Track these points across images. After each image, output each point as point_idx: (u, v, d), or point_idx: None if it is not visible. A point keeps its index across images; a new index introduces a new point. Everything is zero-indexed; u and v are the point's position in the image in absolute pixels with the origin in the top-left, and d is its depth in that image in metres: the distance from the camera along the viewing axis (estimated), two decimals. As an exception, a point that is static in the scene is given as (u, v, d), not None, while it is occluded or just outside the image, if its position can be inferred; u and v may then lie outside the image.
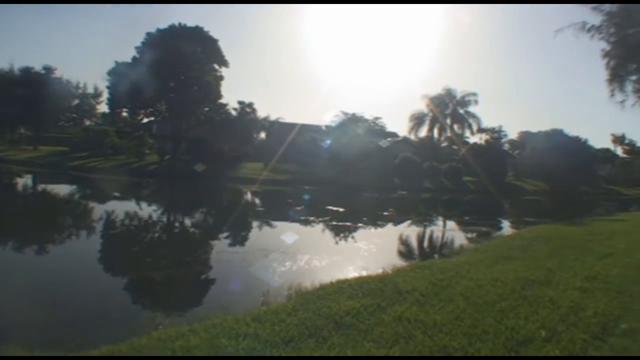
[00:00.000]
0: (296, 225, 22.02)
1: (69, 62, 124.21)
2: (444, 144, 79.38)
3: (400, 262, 12.48)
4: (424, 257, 14.59)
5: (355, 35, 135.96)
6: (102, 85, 62.64)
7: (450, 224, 27.97)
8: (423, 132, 75.93)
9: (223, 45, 58.94)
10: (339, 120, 69.65)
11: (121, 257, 13.95)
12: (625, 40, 16.03)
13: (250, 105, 63.79)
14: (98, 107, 72.86)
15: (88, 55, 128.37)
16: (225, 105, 62.97)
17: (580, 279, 8.32)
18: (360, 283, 8.08)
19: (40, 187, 36.20)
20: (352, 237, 18.92)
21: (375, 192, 43.43)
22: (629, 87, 17.26)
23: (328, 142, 60.99)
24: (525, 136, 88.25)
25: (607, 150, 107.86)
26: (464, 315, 6.16)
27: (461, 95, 75.25)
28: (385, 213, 30.45)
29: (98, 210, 23.59)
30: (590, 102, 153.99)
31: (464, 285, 7.84)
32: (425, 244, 19.66)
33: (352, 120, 69.66)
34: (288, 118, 69.28)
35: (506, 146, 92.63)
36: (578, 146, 69.42)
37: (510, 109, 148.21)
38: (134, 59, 55.99)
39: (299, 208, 29.67)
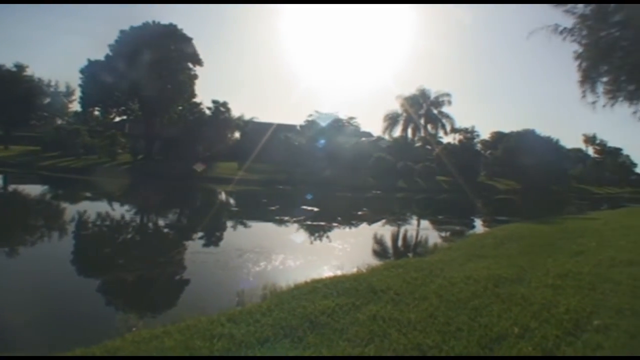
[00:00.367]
0: (270, 225, 22.00)
1: (41, 60, 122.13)
2: (418, 144, 79.78)
3: (374, 261, 12.51)
4: (398, 256, 14.65)
5: (331, 35, 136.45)
6: (75, 83, 62.00)
7: (424, 223, 28.16)
8: (397, 132, 76.27)
9: (197, 43, 58.59)
10: (313, 120, 69.61)
11: (93, 258, 13.77)
12: (598, 43, 16.25)
13: (224, 104, 63.37)
14: (70, 105, 72.25)
15: (61, 54, 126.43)
16: (199, 104, 62.64)
17: (552, 276, 8.41)
18: (335, 282, 8.08)
19: (11, 187, 35.67)
20: (327, 237, 18.93)
21: (349, 191, 43.50)
22: (600, 88, 17.51)
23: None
24: (498, 136, 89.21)
25: (579, 150, 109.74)
26: (437, 313, 6.19)
27: (435, 96, 75.73)
28: (359, 212, 30.54)
29: (70, 211, 23.24)
30: (562, 103, 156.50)
31: (438, 284, 7.88)
32: (400, 243, 19.76)
33: (326, 119, 69.66)
34: (262, 118, 69.11)
35: (479, 146, 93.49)
36: (549, 146, 70.45)
37: (483, 110, 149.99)
38: (107, 57, 55.27)
39: (273, 208, 29.62)
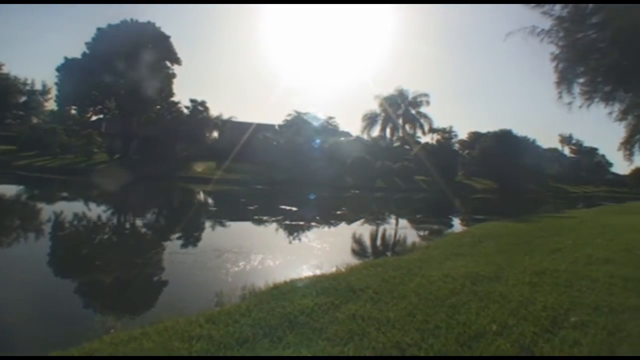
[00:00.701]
0: (249, 224, 21.94)
1: (19, 59, 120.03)
2: (397, 144, 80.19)
3: (353, 261, 12.52)
4: (377, 255, 14.65)
5: (311, 35, 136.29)
6: (52, 82, 61.22)
7: (403, 222, 28.29)
8: (376, 131, 76.58)
9: (175, 42, 58.26)
10: (292, 120, 69.59)
11: (70, 259, 13.57)
12: (574, 44, 16.41)
13: (202, 103, 62.86)
14: (46, 104, 71.30)
15: (40, 52, 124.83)
16: (177, 103, 61.95)
17: (529, 274, 8.48)
18: (314, 282, 8.07)
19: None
20: (306, 236, 18.91)
21: (328, 191, 43.55)
22: (577, 89, 17.70)
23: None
24: (475, 136, 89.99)
25: (555, 150, 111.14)
26: (416, 312, 6.20)
27: (413, 96, 76.18)
28: (338, 212, 30.59)
29: (46, 211, 22.90)
30: (538, 104, 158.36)
31: (417, 282, 7.90)
32: (378, 242, 19.81)
33: (305, 119, 69.64)
34: (242, 118, 68.74)
35: (456, 146, 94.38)
36: (526, 146, 71.27)
37: (461, 110, 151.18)
38: (84, 55, 54.68)
39: (251, 208, 29.54)
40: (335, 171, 53.03)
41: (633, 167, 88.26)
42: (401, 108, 76.10)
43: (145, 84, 54.05)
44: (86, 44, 55.12)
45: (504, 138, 70.30)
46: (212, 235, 19.01)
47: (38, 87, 69.67)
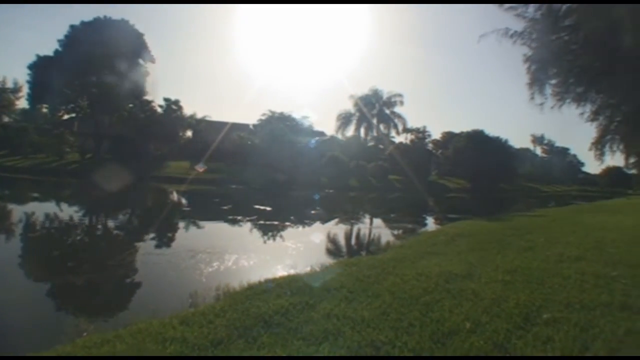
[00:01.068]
0: (223, 224, 21.82)
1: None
2: (371, 143, 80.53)
3: (328, 260, 12.52)
4: (351, 255, 14.67)
5: (285, 35, 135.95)
6: (23, 79, 60.20)
7: (377, 221, 28.40)
8: (350, 131, 76.99)
9: (149, 40, 57.69)
10: (267, 119, 69.44)
11: (41, 261, 13.29)
12: (547, 46, 16.62)
13: (176, 102, 62.37)
14: (17, 102, 70.17)
15: (9, 49, 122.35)
16: (150, 102, 61.37)
17: (501, 272, 8.56)
18: (288, 282, 8.05)
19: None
20: (280, 236, 18.86)
21: (302, 190, 43.53)
22: (549, 90, 17.95)
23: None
24: (448, 136, 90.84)
25: (527, 149, 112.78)
26: (390, 310, 6.23)
27: (387, 96, 76.71)
28: (312, 211, 30.61)
29: (16, 212, 22.50)
30: (511, 105, 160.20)
31: (391, 281, 7.93)
32: (353, 241, 19.82)
33: (280, 119, 69.52)
34: (216, 117, 68.30)
35: (430, 146, 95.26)
36: (498, 146, 72.07)
37: (435, 110, 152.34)
38: (57, 52, 53.87)
39: (225, 207, 29.40)
40: (310, 171, 52.98)
41: (604, 166, 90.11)
42: (375, 108, 76.59)
43: (119, 82, 53.47)
44: (59, 41, 54.42)
45: (477, 138, 71.03)
46: (186, 235, 18.84)
47: (9, 85, 68.72)
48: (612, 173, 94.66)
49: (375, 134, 79.66)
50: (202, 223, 21.63)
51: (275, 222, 22.17)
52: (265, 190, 39.81)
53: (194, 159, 51.19)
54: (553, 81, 17.90)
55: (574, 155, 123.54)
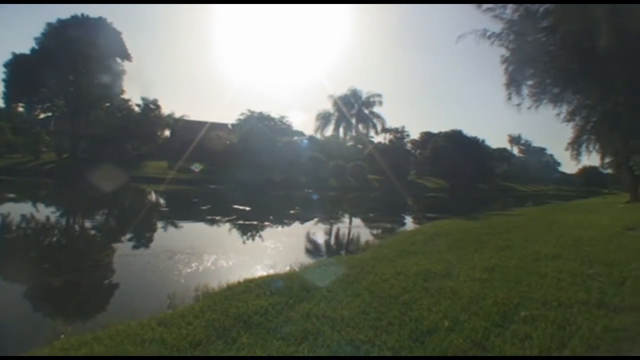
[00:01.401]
0: (202, 225, 21.72)
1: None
2: (350, 143, 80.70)
3: (307, 260, 12.55)
4: (330, 254, 14.70)
5: (265, 35, 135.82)
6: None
7: (356, 221, 28.46)
8: (329, 131, 77.05)
9: (127, 39, 57.17)
10: (246, 119, 69.26)
11: (17, 263, 13.13)
12: (524, 48, 16.83)
13: (154, 101, 61.88)
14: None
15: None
16: (127, 101, 60.86)
17: (479, 270, 8.61)
18: (267, 282, 8.02)
19: None
20: (259, 236, 18.81)
21: (281, 190, 43.51)
22: (525, 91, 18.20)
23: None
24: (427, 136, 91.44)
25: (504, 149, 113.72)
26: (370, 309, 6.24)
27: (366, 96, 76.93)
28: (291, 211, 30.57)
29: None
30: (488, 105, 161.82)
31: (370, 280, 7.94)
32: (332, 241, 19.85)
33: (259, 118, 69.39)
34: (195, 116, 67.92)
35: (409, 146, 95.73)
36: (476, 146, 72.73)
37: (413, 111, 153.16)
38: (33, 50, 53.11)
39: (204, 208, 29.26)
40: (289, 170, 52.97)
41: (580, 166, 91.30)
42: (355, 108, 76.75)
43: (95, 81, 52.92)
44: (35, 39, 53.71)
45: (455, 138, 71.57)
46: (164, 236, 18.71)
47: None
48: (588, 173, 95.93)
49: (354, 133, 79.92)
50: (180, 223, 21.50)
51: (255, 222, 22.11)
52: (244, 190, 39.66)
53: (172, 159, 50.82)
54: (530, 82, 18.14)
55: (551, 155, 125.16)
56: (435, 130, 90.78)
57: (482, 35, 17.34)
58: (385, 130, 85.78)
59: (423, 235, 14.59)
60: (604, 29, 12.95)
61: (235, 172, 47.41)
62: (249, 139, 57.01)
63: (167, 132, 68.05)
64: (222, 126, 66.16)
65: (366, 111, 77.58)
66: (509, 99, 18.26)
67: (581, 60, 15.48)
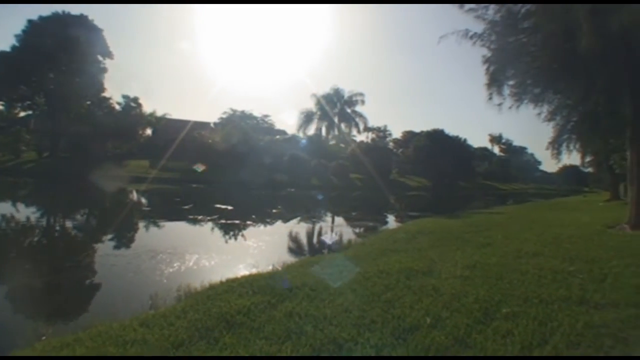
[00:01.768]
0: (184, 224, 21.60)
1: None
2: (332, 142, 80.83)
3: (290, 259, 12.55)
4: (313, 253, 14.68)
5: (248, 34, 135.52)
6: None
7: (339, 219, 28.49)
8: (311, 130, 77.04)
9: (108, 36, 56.67)
10: (228, 117, 69.05)
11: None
12: (505, 48, 16.96)
13: (135, 99, 61.43)
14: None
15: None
16: (108, 99, 60.37)
17: (461, 267, 8.68)
18: (250, 281, 8.01)
19: None
20: (242, 235, 18.75)
21: (264, 189, 43.44)
22: (507, 91, 18.31)
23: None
24: (409, 135, 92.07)
25: (485, 149, 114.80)
26: (352, 307, 6.26)
27: (349, 95, 77.09)
28: (274, 210, 30.53)
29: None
30: (470, 105, 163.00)
31: (352, 278, 7.97)
32: (315, 240, 19.83)
33: (241, 117, 69.23)
34: (176, 115, 67.54)
35: (391, 145, 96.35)
36: (457, 145, 73.33)
37: (396, 110, 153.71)
38: (13, 47, 52.49)
39: (186, 207, 29.11)
40: (271, 169, 52.89)
41: (561, 165, 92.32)
42: (337, 107, 76.86)
43: (76, 79, 52.44)
44: (15, 36, 53.15)
45: (437, 137, 72.06)
46: (146, 236, 18.57)
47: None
48: (569, 171, 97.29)
49: (336, 132, 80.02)
50: (162, 223, 21.38)
51: (237, 221, 22.03)
52: (226, 189, 39.53)
53: (154, 158, 50.53)
54: (511, 82, 18.26)
55: (532, 154, 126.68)
56: (417, 129, 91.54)
57: (464, 35, 17.45)
58: (367, 129, 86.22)
59: (405, 234, 14.66)
60: (584, 29, 13.08)
61: (218, 171, 47.26)
62: (231, 138, 56.84)
63: (148, 131, 67.63)
64: (204, 125, 65.91)
65: (349, 110, 77.77)
66: (490, 98, 18.38)
67: (562, 61, 15.62)
